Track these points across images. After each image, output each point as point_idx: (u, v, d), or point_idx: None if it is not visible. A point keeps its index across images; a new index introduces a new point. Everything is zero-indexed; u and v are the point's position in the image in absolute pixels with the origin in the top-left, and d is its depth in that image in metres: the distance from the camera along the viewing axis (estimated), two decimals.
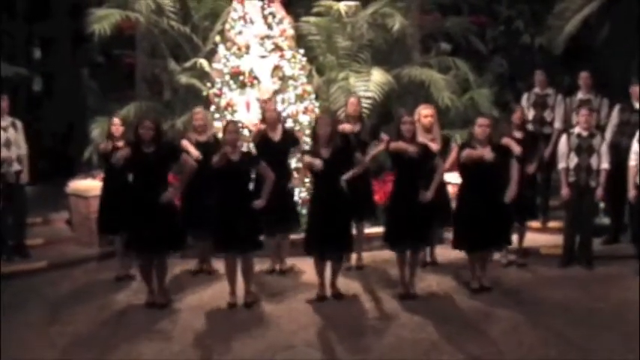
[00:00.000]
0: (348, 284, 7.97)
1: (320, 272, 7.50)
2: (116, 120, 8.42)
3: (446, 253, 8.45)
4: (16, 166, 8.93)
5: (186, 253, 8.53)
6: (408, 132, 7.35)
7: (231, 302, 7.40)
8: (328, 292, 7.55)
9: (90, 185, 10.08)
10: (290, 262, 8.52)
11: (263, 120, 8.59)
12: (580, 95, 9.48)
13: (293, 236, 8.54)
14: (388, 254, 7.71)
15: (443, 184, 8.14)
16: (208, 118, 8.69)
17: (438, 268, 8.48)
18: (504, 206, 7.54)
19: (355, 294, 7.70)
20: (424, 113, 8.16)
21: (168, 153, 7.36)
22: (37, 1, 13.98)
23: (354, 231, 7.94)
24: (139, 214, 7.22)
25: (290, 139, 8.43)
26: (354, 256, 8.52)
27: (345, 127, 8.26)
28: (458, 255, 8.01)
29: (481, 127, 7.44)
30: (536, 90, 9.68)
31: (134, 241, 7.37)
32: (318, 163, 7.19)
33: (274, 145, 8.23)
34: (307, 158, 7.35)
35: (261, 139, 8.30)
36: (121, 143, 8.01)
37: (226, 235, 7.30)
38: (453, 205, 8.11)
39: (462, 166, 7.56)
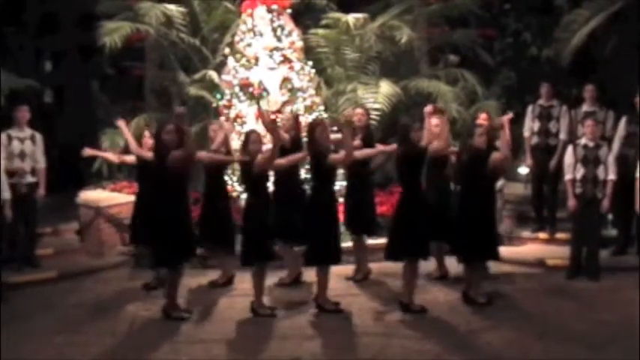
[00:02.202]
0: (354, 295, 8.00)
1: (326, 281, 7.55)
2: (147, 132, 8.50)
3: (451, 263, 8.42)
4: (29, 178, 9.00)
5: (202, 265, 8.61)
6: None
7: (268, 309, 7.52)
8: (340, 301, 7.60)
9: (100, 196, 10.16)
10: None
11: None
12: (585, 107, 9.51)
13: None
14: (393, 266, 7.71)
15: (447, 193, 8.16)
16: (217, 130, 8.51)
17: (444, 279, 8.46)
18: (494, 216, 7.61)
19: (360, 305, 7.71)
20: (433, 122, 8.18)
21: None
22: (46, 15, 14.11)
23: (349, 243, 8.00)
24: (158, 225, 7.28)
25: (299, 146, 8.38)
26: (355, 268, 8.56)
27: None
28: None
29: (482, 135, 7.50)
30: (541, 102, 9.71)
31: (169, 252, 7.37)
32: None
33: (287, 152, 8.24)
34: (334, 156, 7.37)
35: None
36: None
37: (257, 245, 7.35)
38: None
39: (460, 174, 7.61)
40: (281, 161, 7.62)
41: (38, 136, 9.17)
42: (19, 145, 8.93)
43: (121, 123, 8.49)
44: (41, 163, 9.15)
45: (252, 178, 7.36)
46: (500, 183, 8.58)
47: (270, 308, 7.52)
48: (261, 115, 8.22)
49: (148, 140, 8.32)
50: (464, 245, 7.53)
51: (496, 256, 7.73)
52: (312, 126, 7.59)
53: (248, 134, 7.52)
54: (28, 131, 9.08)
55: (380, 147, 8.27)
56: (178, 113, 7.30)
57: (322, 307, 7.48)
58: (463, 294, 7.69)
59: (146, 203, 8.07)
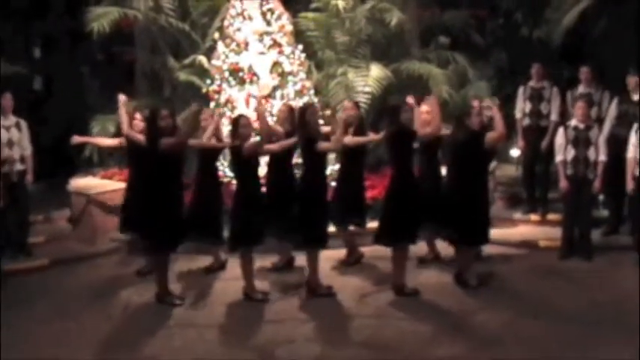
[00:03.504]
0: (346, 279, 8.01)
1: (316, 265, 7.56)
2: (138, 115, 8.44)
3: (442, 246, 8.40)
4: (18, 166, 8.97)
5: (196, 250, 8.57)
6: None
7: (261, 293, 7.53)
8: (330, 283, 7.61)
9: (90, 183, 10.12)
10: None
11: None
12: (580, 89, 9.49)
13: None
14: (385, 249, 7.71)
15: (438, 177, 8.16)
16: (208, 119, 8.28)
17: (436, 262, 8.46)
18: (487, 198, 7.63)
19: (353, 288, 7.73)
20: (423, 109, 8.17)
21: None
22: (35, 0, 13.99)
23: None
24: (148, 212, 7.25)
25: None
26: (347, 251, 8.57)
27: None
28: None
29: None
30: (532, 83, 9.70)
31: (160, 239, 7.40)
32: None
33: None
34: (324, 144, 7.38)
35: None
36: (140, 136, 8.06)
37: (243, 230, 7.33)
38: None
39: (453, 156, 7.60)
40: (272, 147, 7.60)
41: (23, 123, 9.12)
42: (6, 133, 8.88)
43: (122, 98, 8.38)
44: (28, 150, 9.12)
45: (241, 163, 7.34)
46: (492, 165, 8.58)
47: (262, 293, 7.53)
48: (259, 116, 8.10)
49: (139, 123, 8.27)
50: (458, 228, 7.51)
51: (487, 240, 7.74)
52: (303, 110, 7.58)
53: (237, 119, 7.50)
54: (12, 119, 9.03)
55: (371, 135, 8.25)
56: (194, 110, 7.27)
57: (314, 291, 7.50)
58: (455, 276, 7.71)
59: (137, 189, 8.05)
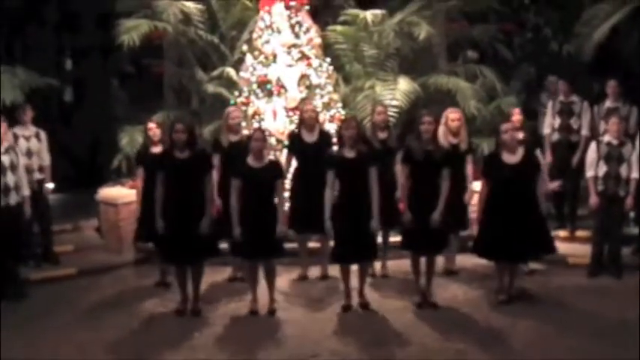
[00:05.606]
0: (373, 293, 7.96)
1: (346, 281, 7.51)
2: (151, 124, 8.48)
3: (471, 261, 8.35)
4: (37, 175, 9.06)
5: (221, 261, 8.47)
6: (427, 132, 7.29)
7: (253, 309, 7.43)
8: (355, 301, 7.53)
9: (119, 193, 10.19)
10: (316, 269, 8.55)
11: (300, 121, 8.55)
12: (608, 103, 9.39)
13: None
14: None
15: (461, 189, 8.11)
16: (232, 116, 8.42)
17: (463, 277, 8.40)
18: (537, 214, 7.49)
19: (380, 303, 7.67)
20: (452, 117, 8.12)
21: (202, 162, 7.42)
22: (67, 13, 14.19)
23: (379, 239, 7.92)
24: (171, 222, 7.25)
25: (325, 141, 8.34)
26: (378, 265, 8.51)
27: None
28: (484, 263, 7.97)
29: (507, 132, 7.41)
30: (561, 98, 9.61)
31: (167, 251, 7.46)
32: None
33: (308, 147, 8.23)
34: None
35: (295, 140, 8.38)
36: (158, 148, 8.12)
37: (246, 241, 7.29)
38: (470, 210, 8.15)
39: (488, 175, 7.51)
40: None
41: (43, 134, 9.23)
42: (26, 143, 9.00)
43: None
44: (46, 160, 9.23)
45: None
46: None
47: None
48: None
49: (156, 130, 8.32)
50: (516, 245, 7.37)
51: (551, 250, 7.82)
52: (342, 123, 7.74)
53: (253, 132, 7.62)
54: (32, 129, 9.15)
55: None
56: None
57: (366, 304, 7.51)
58: (495, 292, 7.64)
59: (149, 199, 7.99)
